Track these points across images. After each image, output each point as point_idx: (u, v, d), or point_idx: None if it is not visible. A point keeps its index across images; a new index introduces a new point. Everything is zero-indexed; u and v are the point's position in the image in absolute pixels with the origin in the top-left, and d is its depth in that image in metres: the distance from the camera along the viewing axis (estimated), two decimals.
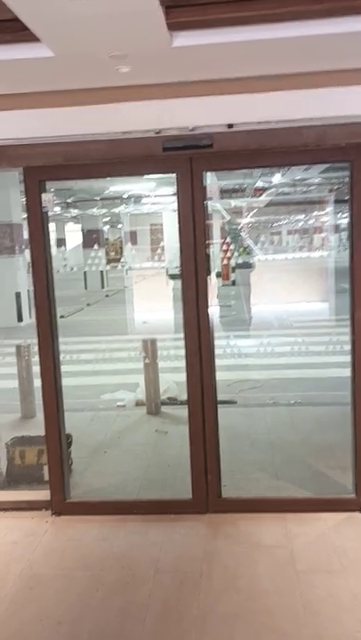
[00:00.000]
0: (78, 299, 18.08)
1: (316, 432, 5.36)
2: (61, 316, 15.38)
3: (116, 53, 2.79)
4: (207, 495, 3.89)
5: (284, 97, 3.37)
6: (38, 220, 3.66)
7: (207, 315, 3.82)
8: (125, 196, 18.98)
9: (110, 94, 3.41)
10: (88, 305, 17.62)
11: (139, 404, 6.46)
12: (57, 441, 4.01)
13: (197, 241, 3.65)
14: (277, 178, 16.57)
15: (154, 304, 12.63)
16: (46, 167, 3.55)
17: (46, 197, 3.65)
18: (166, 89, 3.40)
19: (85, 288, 20.75)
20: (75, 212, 23.83)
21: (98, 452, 5.07)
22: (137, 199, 19.96)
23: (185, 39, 2.71)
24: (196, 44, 2.74)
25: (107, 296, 19.44)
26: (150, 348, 6.11)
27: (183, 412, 4.10)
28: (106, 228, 28.23)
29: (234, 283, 19.54)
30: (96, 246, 22.02)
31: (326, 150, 3.50)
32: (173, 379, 6.79)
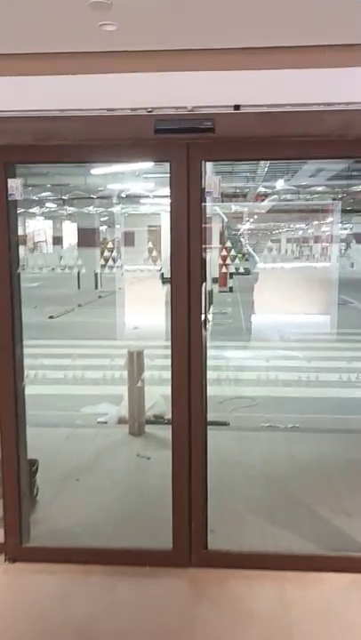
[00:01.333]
0: (70, 299, 17.48)
1: (316, 465, 4.76)
2: (50, 317, 14.80)
3: None
4: (190, 546, 3.28)
5: (304, 75, 2.78)
6: (2, 209, 3.05)
7: (200, 331, 3.22)
8: (123, 195, 18.42)
9: (92, 61, 2.81)
10: (79, 306, 17.01)
11: (121, 421, 5.85)
12: (15, 470, 3.39)
13: (192, 244, 3.05)
14: (280, 184, 16.06)
15: (147, 308, 12.04)
16: (13, 147, 2.94)
17: (13, 183, 3.04)
18: (161, 58, 2.81)
19: (78, 288, 20.16)
20: (71, 209, 23.26)
21: (69, 479, 4.45)
22: (135, 199, 19.40)
23: None
24: None
25: (100, 297, 18.82)
26: (136, 360, 5.49)
27: (169, 433, 3.51)
28: (103, 227, 27.65)
29: (231, 289, 18.97)
30: (91, 246, 21.43)
31: (351, 142, 2.91)
32: (162, 392, 6.20)
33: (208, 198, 3.00)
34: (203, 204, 2.97)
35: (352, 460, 4.85)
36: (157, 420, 5.93)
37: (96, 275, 20.36)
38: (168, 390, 3.52)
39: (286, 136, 2.87)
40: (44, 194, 20.31)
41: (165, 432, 5.48)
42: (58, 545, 3.44)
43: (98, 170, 13.28)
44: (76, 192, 19.25)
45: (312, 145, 2.91)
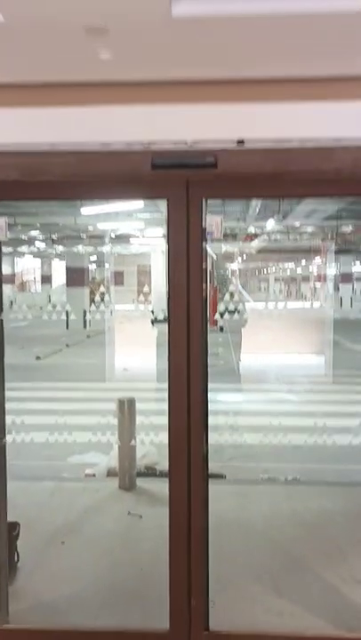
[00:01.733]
0: (58, 339, 17.15)
1: (320, 524, 4.41)
2: (37, 358, 14.43)
3: (94, 23, 1.99)
4: (190, 626, 2.91)
5: (314, 108, 2.60)
6: None
7: (201, 379, 2.93)
8: (113, 234, 18.37)
9: (86, 92, 2.61)
10: (67, 346, 16.68)
11: (111, 473, 5.47)
12: None
13: (192, 287, 2.80)
14: (271, 224, 16.08)
15: (137, 348, 11.75)
16: None
17: None
18: (160, 90, 2.61)
19: (67, 328, 19.87)
20: (60, 248, 23.18)
21: (54, 542, 4.06)
22: (124, 239, 19.35)
23: (189, 6, 1.92)
24: (204, 16, 1.96)
25: (88, 337, 18.52)
26: (127, 410, 5.16)
27: (163, 486, 3.18)
28: (92, 267, 27.55)
29: (222, 329, 18.78)
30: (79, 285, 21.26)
31: None
32: (153, 439, 5.85)
33: (208, 238, 2.77)
34: (204, 244, 2.73)
35: (357, 516, 4.53)
36: (149, 471, 5.58)
37: (85, 314, 20.13)
38: (159, 438, 3.19)
39: (294, 173, 2.67)
40: (33, 232, 20.24)
41: (158, 486, 5.16)
42: (40, 625, 3.05)
43: (88, 209, 13.20)
44: (66, 231, 19.18)
45: (321, 183, 2.71)
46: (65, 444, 6.70)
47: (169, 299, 2.81)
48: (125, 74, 2.55)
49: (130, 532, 4.29)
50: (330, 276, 24.40)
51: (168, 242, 2.80)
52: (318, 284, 27.27)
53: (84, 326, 19.96)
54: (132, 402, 5.17)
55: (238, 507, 4.72)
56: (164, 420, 2.97)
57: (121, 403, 5.17)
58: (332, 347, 12.81)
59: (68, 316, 20.44)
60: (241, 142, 2.64)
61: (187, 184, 2.74)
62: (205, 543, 2.99)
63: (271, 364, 12.10)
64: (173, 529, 2.95)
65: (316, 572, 3.70)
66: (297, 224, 16.04)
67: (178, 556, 2.92)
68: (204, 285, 2.85)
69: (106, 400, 7.48)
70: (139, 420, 5.39)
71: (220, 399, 8.74)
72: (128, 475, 5.07)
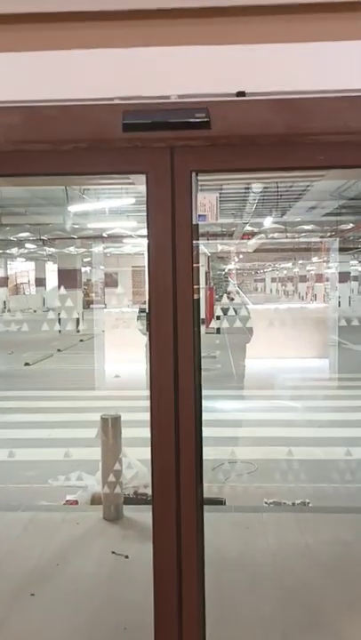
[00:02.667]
0: (50, 343, 16.51)
1: (339, 562, 3.76)
2: (26, 364, 13.77)
3: None
4: None
5: (335, 48, 1.96)
6: None
7: (192, 406, 2.30)
8: (105, 234, 17.76)
9: (33, 30, 1.97)
10: (59, 351, 16.05)
11: (95, 500, 4.81)
12: None
13: (179, 286, 2.15)
14: (268, 221, 15.45)
15: (130, 352, 11.16)
16: None
17: None
18: (133, 26, 1.97)
19: (59, 331, 19.25)
20: (51, 250, 22.52)
21: (22, 594, 3.40)
22: (117, 239, 18.74)
23: None
24: None
25: (81, 340, 17.93)
26: (112, 430, 4.49)
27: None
28: (87, 269, 26.90)
29: (218, 331, 18.16)
30: (72, 287, 20.62)
31: None
32: (144, 454, 5.21)
33: (201, 222, 2.12)
34: (194, 222, 2.07)
35: None
36: (139, 497, 4.92)
37: (78, 317, 19.49)
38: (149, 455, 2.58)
39: (311, 134, 2.02)
40: (23, 234, 19.58)
41: (148, 515, 4.49)
42: None
43: (77, 207, 12.56)
44: (57, 232, 18.54)
45: (348, 146, 2.05)
46: (46, 463, 6.09)
47: (150, 304, 2.16)
48: (85, 2, 1.91)
49: (114, 577, 3.62)
50: (332, 274, 23.80)
51: (147, 230, 2.16)
52: (320, 284, 26.67)
53: (77, 329, 19.32)
54: (116, 420, 4.50)
55: (242, 542, 4.06)
56: None
57: (105, 421, 4.49)
58: (337, 349, 12.22)
59: (59, 319, 19.83)
60: (242, 94, 2.00)
61: (171, 152, 2.08)
62: (202, 605, 2.36)
63: (272, 368, 11.47)
64: (158, 587, 2.32)
65: (338, 631, 3.06)
66: (298, 220, 15.40)
67: (165, 627, 2.28)
68: (195, 285, 2.20)
69: (92, 410, 6.85)
70: (128, 434, 4.74)
71: (218, 407, 8.11)
72: (114, 504, 4.41)
